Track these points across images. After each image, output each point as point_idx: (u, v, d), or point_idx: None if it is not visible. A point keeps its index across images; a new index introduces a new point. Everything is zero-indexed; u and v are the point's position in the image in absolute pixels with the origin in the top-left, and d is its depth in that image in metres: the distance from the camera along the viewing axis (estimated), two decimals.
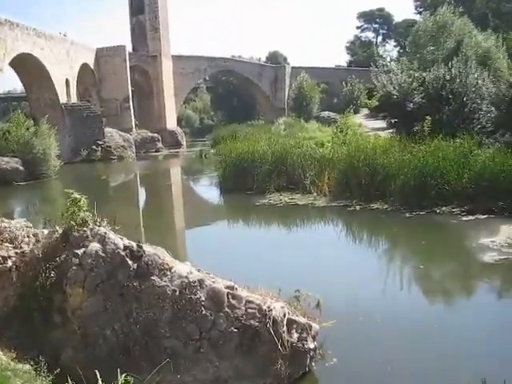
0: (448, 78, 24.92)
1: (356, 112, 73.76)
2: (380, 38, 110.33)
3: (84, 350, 6.12)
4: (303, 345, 6.51)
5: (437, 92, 24.99)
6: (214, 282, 6.56)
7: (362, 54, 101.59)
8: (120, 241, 6.52)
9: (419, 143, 19.89)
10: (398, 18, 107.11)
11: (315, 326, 6.77)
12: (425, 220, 15.56)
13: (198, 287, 6.41)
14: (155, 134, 57.84)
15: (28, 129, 34.86)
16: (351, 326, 7.93)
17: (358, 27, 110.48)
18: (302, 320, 6.69)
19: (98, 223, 6.98)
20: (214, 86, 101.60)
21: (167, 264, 6.50)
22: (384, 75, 28.27)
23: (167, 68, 63.78)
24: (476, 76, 25.16)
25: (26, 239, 9.26)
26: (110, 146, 47.20)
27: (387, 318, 8.50)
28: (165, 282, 6.37)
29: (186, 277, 6.45)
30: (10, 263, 8.10)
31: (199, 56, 70.99)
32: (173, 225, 19.00)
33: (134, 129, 56.48)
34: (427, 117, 22.43)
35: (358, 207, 17.53)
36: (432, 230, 14.97)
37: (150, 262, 6.42)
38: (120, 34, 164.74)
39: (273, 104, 79.56)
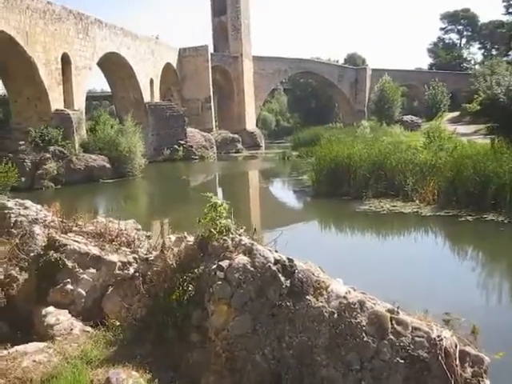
0: None
1: (438, 116, 71.75)
2: (464, 40, 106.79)
3: (229, 375, 5.37)
4: (478, 382, 5.55)
5: None
6: (374, 304, 5.70)
7: (444, 57, 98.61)
8: (269, 253, 5.74)
9: None
10: (483, 19, 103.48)
11: (486, 358, 5.78)
12: None
13: (359, 310, 5.56)
14: (235, 135, 57.68)
15: (113, 127, 35.14)
16: None
17: (441, 29, 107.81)
18: (474, 351, 5.72)
19: (238, 232, 6.25)
20: (291, 87, 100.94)
21: (323, 282, 5.67)
22: (489, 77, 26.63)
23: (248, 69, 63.57)
24: None
25: (143, 243, 8.75)
26: (191, 146, 47.20)
27: None
28: (321, 302, 5.54)
29: (345, 297, 5.60)
30: (131, 270, 7.52)
31: (279, 57, 70.44)
32: (270, 229, 18.24)
33: (214, 129, 56.46)
34: None
35: (469, 218, 16.22)
36: None
37: (304, 279, 5.61)
38: (201, 35, 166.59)
39: (352, 107, 78.22)
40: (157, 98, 48.98)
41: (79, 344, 6.12)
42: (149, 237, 9.21)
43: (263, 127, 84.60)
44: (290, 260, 5.76)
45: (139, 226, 9.65)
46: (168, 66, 52.67)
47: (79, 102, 35.65)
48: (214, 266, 5.80)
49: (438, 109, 74.22)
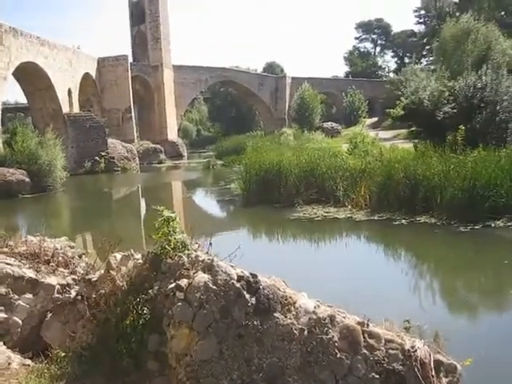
0: (479, 86, 23.94)
1: (356, 123, 73.38)
2: (378, 49, 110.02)
3: None
4: None
5: (467, 101, 23.99)
6: (344, 317, 5.39)
7: (360, 65, 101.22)
8: (232, 269, 5.32)
9: (459, 154, 18.88)
10: (396, 28, 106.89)
11: (459, 366, 5.57)
12: (487, 235, 14.44)
13: (330, 325, 5.22)
14: (158, 146, 56.73)
15: (32, 140, 33.60)
16: (488, 365, 6.71)
17: (356, 38, 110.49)
18: (446, 360, 5.50)
19: (193, 248, 5.80)
20: (211, 97, 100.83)
21: (290, 297, 5.30)
22: (413, 83, 27.19)
23: (168, 78, 62.85)
24: (508, 84, 24.20)
25: (81, 263, 8.11)
26: (113, 158, 45.97)
27: None
28: (290, 319, 5.17)
29: (314, 312, 5.25)
30: (72, 293, 6.89)
31: (200, 66, 70.10)
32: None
33: (136, 140, 55.34)
34: (461, 126, 21.39)
35: (403, 221, 16.35)
36: (505, 246, 13.86)
37: (270, 296, 5.21)
38: (120, 45, 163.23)
39: (273, 114, 78.74)
40: (76, 109, 47.47)
41: (19, 381, 5.46)
42: (82, 256, 8.52)
43: (184, 137, 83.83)
44: (254, 275, 5.37)
45: (73, 244, 8.96)
46: (87, 75, 51.22)
47: None
48: (171, 286, 5.33)
49: (357, 115, 75.98)
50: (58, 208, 29.28)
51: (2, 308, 6.68)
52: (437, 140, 21.50)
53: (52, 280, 7.07)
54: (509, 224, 15.11)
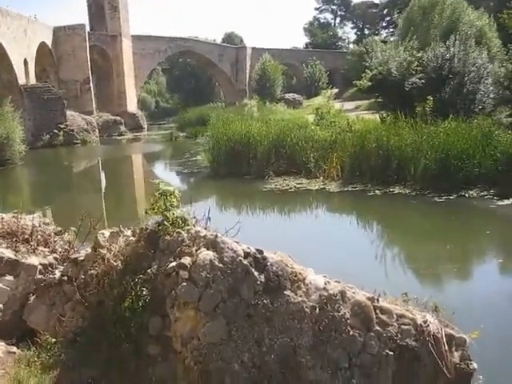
0: (447, 57, 23.86)
1: (317, 94, 73.23)
2: (338, 20, 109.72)
3: None
4: (468, 365, 5.17)
5: (436, 71, 23.90)
6: (354, 293, 5.16)
7: (320, 36, 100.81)
8: (237, 245, 5.00)
9: (430, 124, 18.87)
10: None
11: (467, 339, 5.41)
12: (462, 205, 14.49)
13: (341, 301, 4.98)
14: (118, 117, 55.55)
15: None
16: (494, 336, 6.56)
17: (316, 8, 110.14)
18: (456, 333, 5.34)
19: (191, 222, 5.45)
20: (169, 68, 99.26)
21: (300, 274, 5.03)
22: (380, 53, 26.95)
23: (127, 48, 61.41)
24: (475, 55, 24.22)
25: (59, 241, 7.67)
26: (72, 130, 44.79)
27: None
28: (300, 297, 4.90)
29: (325, 288, 4.99)
30: (57, 273, 6.47)
31: (159, 36, 68.68)
32: None
33: (95, 112, 53.95)
34: (429, 97, 21.34)
35: (377, 192, 16.27)
36: (480, 216, 13.97)
37: (279, 273, 4.93)
38: (77, 13, 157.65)
39: (234, 86, 77.86)
40: (32, 81, 45.87)
41: (7, 371, 5.07)
42: (60, 233, 8.04)
43: (143, 108, 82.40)
44: (260, 251, 5.08)
45: (47, 220, 8.46)
46: (43, 45, 49.38)
47: None
48: (173, 265, 4.99)
49: (317, 87, 75.76)
50: (19, 183, 28.34)
51: None
52: (405, 111, 21.41)
53: (33, 260, 6.63)
54: (482, 193, 15.22)
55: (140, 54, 64.69)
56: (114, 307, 5.08)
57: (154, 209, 5.40)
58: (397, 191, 16.24)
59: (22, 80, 43.29)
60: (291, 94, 67.26)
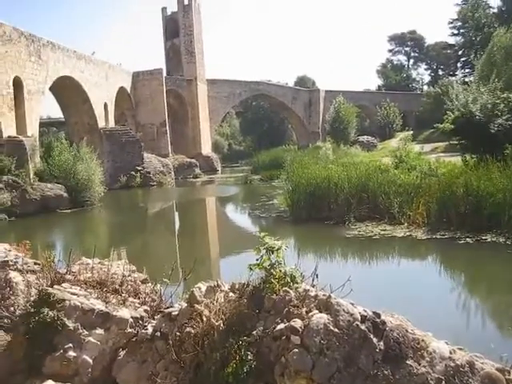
0: None
1: (391, 136, 72.26)
2: (412, 61, 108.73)
3: None
4: None
5: None
6: (482, 363, 4.50)
7: (394, 78, 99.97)
8: (353, 308, 4.48)
9: None
10: (429, 40, 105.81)
11: None
12: None
13: (469, 373, 4.34)
14: (193, 160, 56.32)
15: (71, 153, 33.26)
16: None
17: (389, 50, 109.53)
18: None
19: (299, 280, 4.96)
20: (242, 110, 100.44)
21: (422, 341, 4.44)
22: (463, 95, 26.09)
23: (202, 92, 62.52)
24: None
25: (150, 293, 7.29)
26: (149, 172, 45.60)
27: None
28: (424, 367, 4.30)
29: (451, 358, 4.37)
30: (149, 328, 6.07)
31: (234, 80, 69.72)
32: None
33: (170, 154, 54.94)
34: None
35: (468, 240, 15.29)
36: None
37: (400, 339, 4.37)
38: (154, 58, 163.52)
39: (307, 128, 77.94)
40: (111, 124, 47.26)
41: None
42: (145, 282, 7.68)
43: (215, 151, 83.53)
44: (377, 314, 4.51)
45: (134, 268, 8.13)
46: (122, 90, 51.07)
47: (32, 128, 33.77)
48: (281, 327, 4.49)
49: (391, 129, 74.94)
50: (97, 223, 28.75)
51: (70, 345, 5.88)
52: (490, 153, 20.46)
53: (124, 313, 6.25)
54: None
55: (215, 98, 65.78)
56: (215, 372, 4.60)
57: (258, 264, 4.93)
58: (489, 239, 15.20)
59: (101, 123, 44.64)
60: (365, 137, 66.67)
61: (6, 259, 9.62)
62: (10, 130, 30.99)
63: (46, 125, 78.35)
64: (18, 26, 32.94)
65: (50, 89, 39.00)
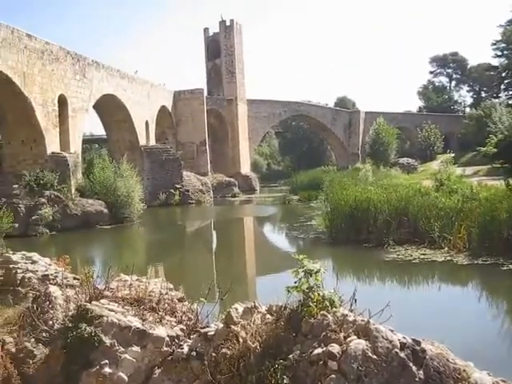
0: None
1: (432, 159, 71.31)
2: (454, 83, 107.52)
3: None
4: None
5: None
6: None
7: (435, 99, 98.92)
8: (393, 335, 4.38)
9: None
10: (472, 62, 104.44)
11: None
12: None
13: None
14: (231, 179, 56.55)
15: (112, 170, 33.79)
16: None
17: (430, 72, 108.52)
18: None
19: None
20: (282, 131, 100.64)
21: (464, 371, 4.31)
22: (506, 118, 25.68)
23: (242, 112, 62.95)
24: None
25: (187, 312, 7.26)
26: (188, 190, 45.91)
27: None
28: None
29: None
30: (185, 347, 6.04)
31: (274, 100, 70.11)
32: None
33: (209, 173, 55.30)
34: None
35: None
36: None
37: (441, 369, 4.24)
38: (195, 78, 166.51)
39: (346, 149, 77.62)
40: (152, 142, 47.89)
41: None
42: (181, 299, 7.65)
43: (254, 170, 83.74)
44: (417, 342, 4.40)
45: (171, 286, 8.11)
46: (163, 108, 51.79)
47: (75, 145, 34.48)
48: (318, 352, 4.41)
49: (432, 151, 74.02)
50: (135, 240, 29.02)
51: (106, 361, 5.90)
52: None
53: (161, 331, 6.24)
54: None
55: (255, 118, 66.19)
56: None
57: (296, 287, 4.87)
58: None
59: (142, 141, 45.24)
60: (405, 159, 66.00)
61: (46, 273, 9.79)
62: (53, 146, 31.70)
63: (89, 142, 79.86)
64: (64, 44, 33.92)
65: (94, 106, 39.81)
